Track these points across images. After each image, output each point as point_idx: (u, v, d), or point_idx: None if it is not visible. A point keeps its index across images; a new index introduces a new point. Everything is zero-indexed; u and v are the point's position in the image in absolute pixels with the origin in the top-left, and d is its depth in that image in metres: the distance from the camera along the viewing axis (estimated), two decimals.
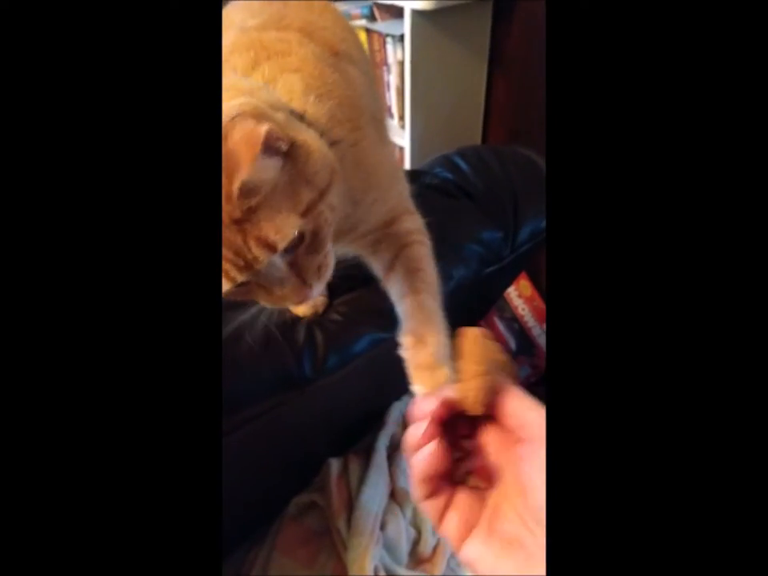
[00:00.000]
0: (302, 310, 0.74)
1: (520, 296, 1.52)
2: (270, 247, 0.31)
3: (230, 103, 0.30)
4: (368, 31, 1.48)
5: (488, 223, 0.81)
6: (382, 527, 0.77)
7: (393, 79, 1.44)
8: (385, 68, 1.45)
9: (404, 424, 0.94)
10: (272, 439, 0.69)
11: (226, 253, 0.30)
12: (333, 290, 0.76)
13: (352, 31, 0.60)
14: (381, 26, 1.43)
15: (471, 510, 0.30)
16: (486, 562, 0.28)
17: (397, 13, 1.36)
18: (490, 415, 0.31)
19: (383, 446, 0.86)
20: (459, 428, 0.32)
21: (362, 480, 0.80)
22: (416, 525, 0.80)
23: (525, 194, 0.84)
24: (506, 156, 0.90)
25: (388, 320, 0.74)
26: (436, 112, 1.44)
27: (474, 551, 0.29)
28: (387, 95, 1.48)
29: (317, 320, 0.71)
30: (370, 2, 1.42)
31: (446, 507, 0.30)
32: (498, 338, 1.47)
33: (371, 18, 1.46)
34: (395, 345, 0.77)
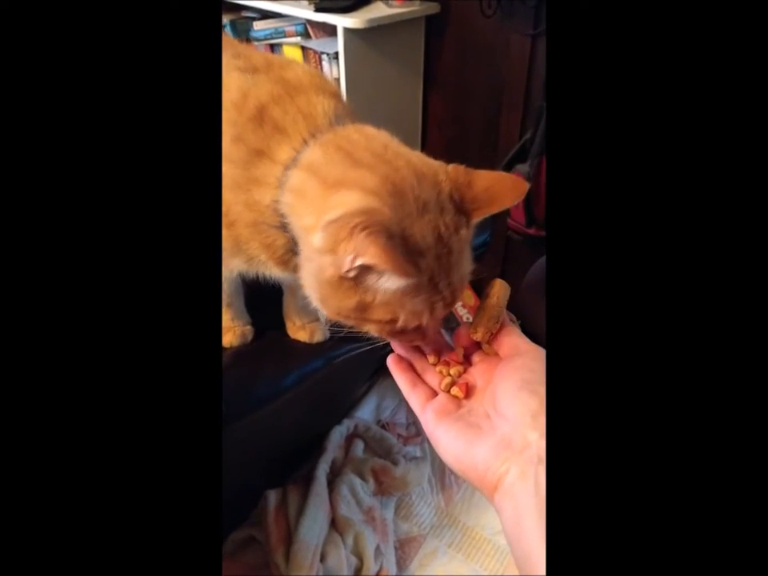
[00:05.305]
0: (228, 338, 0.71)
1: (464, 305, 1.54)
2: None
3: None
4: (303, 49, 1.47)
5: None
6: (322, 559, 0.75)
7: None
8: None
9: (346, 448, 0.92)
10: None
11: None
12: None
13: None
14: (315, 43, 1.43)
15: (446, 405, 0.38)
16: (448, 436, 0.36)
17: (331, 31, 1.36)
18: (490, 347, 0.41)
19: (323, 473, 0.84)
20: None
21: (300, 511, 0.78)
22: (357, 552, 0.78)
23: None
24: None
25: (316, 353, 0.73)
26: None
27: (441, 430, 0.37)
28: None
29: (243, 350, 0.69)
30: (303, 20, 1.41)
31: (426, 401, 0.39)
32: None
33: (306, 35, 1.46)
34: (327, 375, 0.76)
